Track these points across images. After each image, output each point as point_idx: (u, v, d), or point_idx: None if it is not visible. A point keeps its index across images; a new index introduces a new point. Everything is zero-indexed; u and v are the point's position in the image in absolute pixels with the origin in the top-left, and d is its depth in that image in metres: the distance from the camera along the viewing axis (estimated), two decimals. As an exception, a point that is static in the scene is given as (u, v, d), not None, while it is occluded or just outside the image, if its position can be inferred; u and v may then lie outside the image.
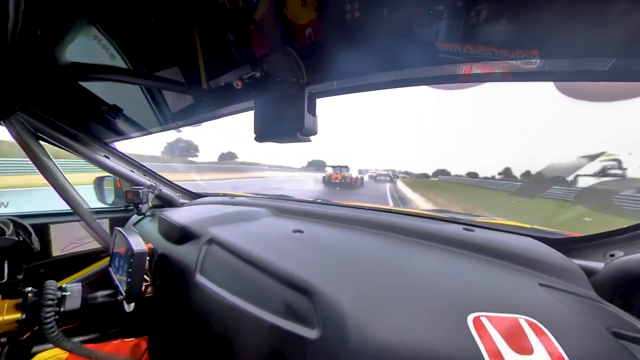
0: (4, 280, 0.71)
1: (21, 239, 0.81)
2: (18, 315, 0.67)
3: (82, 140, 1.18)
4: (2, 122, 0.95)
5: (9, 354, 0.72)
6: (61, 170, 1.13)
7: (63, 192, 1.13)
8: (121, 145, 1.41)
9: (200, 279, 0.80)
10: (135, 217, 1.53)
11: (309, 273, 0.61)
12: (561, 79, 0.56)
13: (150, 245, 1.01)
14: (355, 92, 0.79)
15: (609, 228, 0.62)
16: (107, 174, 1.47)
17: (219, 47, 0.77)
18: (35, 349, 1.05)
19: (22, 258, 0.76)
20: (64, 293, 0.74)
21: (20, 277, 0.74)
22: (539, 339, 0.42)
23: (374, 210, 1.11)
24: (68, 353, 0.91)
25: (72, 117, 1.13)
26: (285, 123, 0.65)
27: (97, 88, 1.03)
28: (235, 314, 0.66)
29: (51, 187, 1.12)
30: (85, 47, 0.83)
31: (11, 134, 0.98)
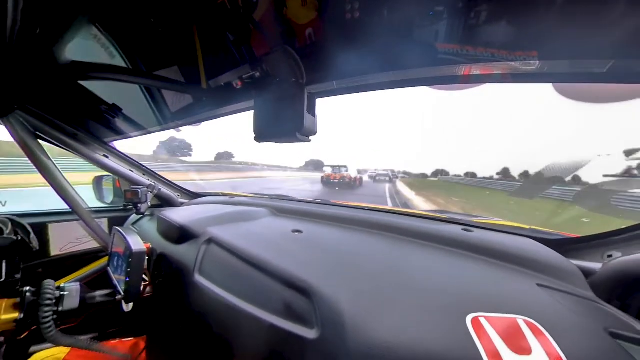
0: (2, 280, 0.71)
1: (19, 237, 0.81)
2: (16, 315, 0.67)
3: (81, 140, 1.17)
4: (0, 121, 0.95)
5: (6, 353, 0.72)
6: (60, 170, 1.13)
7: (62, 191, 1.13)
8: (119, 145, 1.41)
9: (199, 278, 0.80)
10: (134, 217, 1.53)
11: (308, 273, 0.61)
12: (560, 81, 0.57)
13: (149, 245, 1.01)
14: (355, 92, 0.79)
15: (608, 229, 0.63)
16: (106, 173, 1.46)
17: (219, 46, 0.77)
18: (32, 348, 1.05)
19: (21, 257, 0.76)
20: (62, 292, 0.73)
21: (18, 276, 0.74)
22: (537, 339, 0.42)
23: (373, 211, 1.12)
24: (66, 353, 0.90)
25: (71, 116, 1.12)
26: (284, 123, 0.65)
27: (97, 87, 1.03)
28: (234, 314, 0.66)
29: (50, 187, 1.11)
30: (85, 46, 0.83)
31: (10, 133, 0.97)
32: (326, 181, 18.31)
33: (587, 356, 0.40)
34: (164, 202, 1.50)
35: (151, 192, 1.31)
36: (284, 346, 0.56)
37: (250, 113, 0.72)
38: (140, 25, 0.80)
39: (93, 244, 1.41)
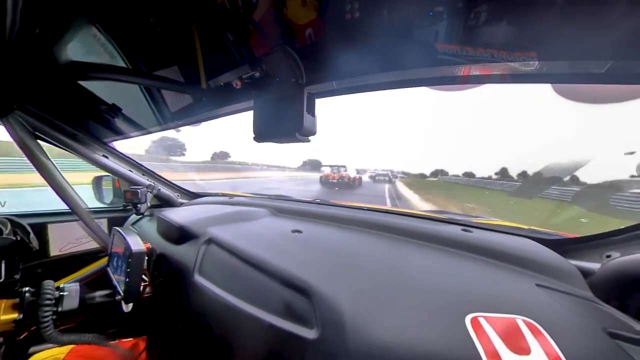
0: (1, 280, 0.70)
1: (19, 238, 0.81)
2: (15, 315, 0.67)
3: (80, 140, 1.17)
4: (0, 121, 0.95)
5: (5, 354, 0.72)
6: (59, 170, 1.13)
7: (61, 191, 1.13)
8: (119, 145, 1.41)
9: (199, 279, 0.80)
10: (133, 217, 1.53)
11: (307, 273, 0.61)
12: (559, 81, 0.57)
13: (149, 245, 1.01)
14: (355, 92, 0.79)
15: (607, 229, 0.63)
16: (105, 173, 1.46)
17: (219, 46, 0.77)
18: (32, 349, 1.04)
19: (20, 257, 0.76)
20: (61, 293, 0.73)
21: (17, 276, 0.74)
22: (536, 339, 0.42)
23: (373, 211, 1.12)
24: (65, 353, 0.90)
25: (70, 116, 1.12)
26: (284, 123, 0.65)
27: (96, 87, 1.02)
28: (234, 314, 0.66)
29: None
30: (84, 46, 0.83)
31: (9, 133, 0.97)
32: (325, 181, 18.29)
33: (586, 356, 0.41)
34: (164, 202, 1.50)
35: (151, 193, 1.31)
36: (283, 346, 0.56)
37: (247, 113, 0.72)
38: (139, 25, 0.80)
39: (93, 245, 1.41)
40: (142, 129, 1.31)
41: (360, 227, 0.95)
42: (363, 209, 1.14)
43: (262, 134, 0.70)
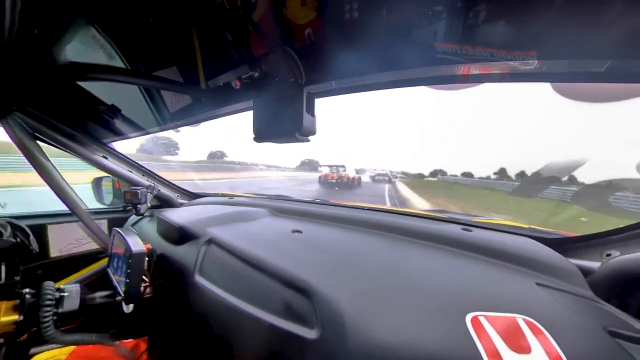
0: (2, 282, 0.70)
1: (19, 240, 0.81)
2: (16, 317, 0.67)
3: (80, 141, 1.17)
4: (-1, 122, 0.94)
5: (6, 355, 0.72)
6: (59, 171, 1.12)
7: (61, 192, 1.12)
8: (119, 145, 1.40)
9: (199, 279, 0.80)
10: (133, 218, 1.52)
11: (308, 273, 0.61)
12: (558, 80, 0.57)
13: (149, 246, 1.01)
14: (354, 92, 0.79)
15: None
16: (105, 174, 1.46)
17: (218, 46, 0.76)
18: (32, 350, 1.04)
19: (20, 260, 0.76)
20: (62, 294, 0.73)
21: (17, 278, 0.74)
22: (536, 338, 0.42)
23: (373, 211, 1.12)
24: (67, 354, 0.90)
25: (70, 117, 1.12)
26: (284, 123, 0.65)
27: (95, 88, 1.02)
28: (234, 314, 0.66)
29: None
30: (83, 46, 0.83)
31: (8, 134, 0.97)
32: (323, 181, 18.27)
33: (586, 355, 0.41)
34: (164, 202, 1.50)
35: (150, 193, 1.31)
36: (284, 346, 0.56)
37: (242, 114, 0.72)
38: (138, 26, 0.80)
39: (93, 245, 1.41)
40: (142, 130, 1.31)
41: (360, 226, 0.95)
42: (363, 209, 1.14)
43: (261, 134, 0.70)
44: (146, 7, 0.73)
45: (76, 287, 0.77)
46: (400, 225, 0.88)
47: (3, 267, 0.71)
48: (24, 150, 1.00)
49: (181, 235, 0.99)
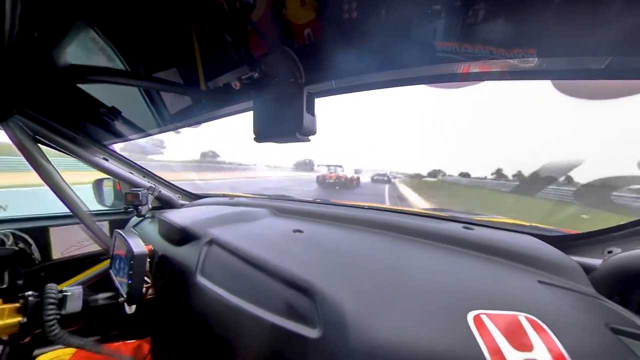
0: (5, 286, 0.71)
1: (21, 246, 0.81)
2: (19, 319, 0.67)
3: (80, 143, 1.17)
4: (0, 125, 0.95)
5: (10, 357, 0.72)
6: (60, 173, 1.13)
7: (62, 194, 1.13)
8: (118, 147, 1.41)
9: (201, 280, 0.80)
10: (135, 219, 1.53)
11: (309, 273, 0.61)
12: (558, 77, 0.57)
13: (151, 247, 1.01)
14: (354, 91, 0.79)
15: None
16: (106, 176, 1.46)
17: (217, 47, 0.77)
18: (36, 352, 1.05)
19: (22, 266, 0.76)
20: (65, 294, 0.74)
21: (20, 282, 0.74)
22: (538, 335, 0.42)
23: (374, 210, 1.12)
24: (70, 355, 0.91)
25: (70, 119, 1.12)
26: (284, 123, 0.65)
27: (96, 90, 1.02)
28: (236, 315, 0.66)
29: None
30: (83, 49, 0.83)
31: (9, 137, 0.97)
32: (321, 181, 18.27)
33: (589, 352, 0.41)
34: (165, 204, 1.51)
35: (152, 194, 1.31)
36: (286, 346, 0.56)
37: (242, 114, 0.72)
38: (138, 28, 0.80)
39: (94, 247, 1.41)
40: (142, 132, 1.31)
41: (361, 226, 0.95)
42: (364, 208, 1.14)
43: (262, 134, 0.70)
44: (145, 9, 0.73)
45: (79, 289, 0.77)
46: (402, 224, 0.88)
47: (6, 273, 0.72)
48: (24, 153, 1.01)
49: (182, 236, 0.99)
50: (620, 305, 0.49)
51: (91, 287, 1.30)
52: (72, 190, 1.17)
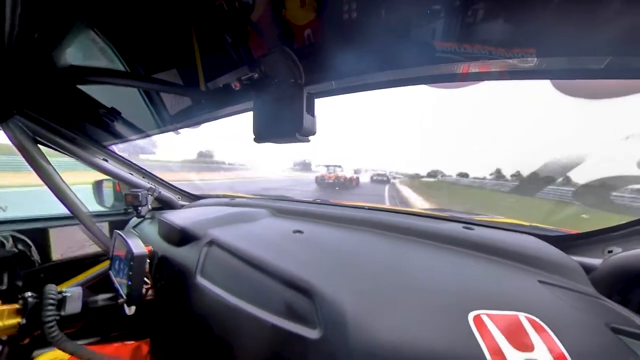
0: (4, 288, 0.71)
1: (21, 248, 0.81)
2: (18, 320, 0.67)
3: (80, 144, 1.17)
4: (0, 126, 0.95)
5: (9, 358, 0.72)
6: (59, 174, 1.13)
7: (62, 195, 1.13)
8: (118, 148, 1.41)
9: (201, 280, 0.80)
10: (134, 220, 1.53)
11: (309, 273, 0.61)
12: (558, 77, 0.57)
13: (151, 248, 1.01)
14: (354, 92, 0.80)
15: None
16: (106, 177, 1.46)
17: (217, 48, 0.77)
18: (35, 353, 1.05)
19: (22, 268, 0.76)
20: (64, 295, 0.73)
21: (19, 283, 0.74)
22: (539, 335, 0.42)
23: (374, 210, 1.12)
24: (69, 356, 0.90)
25: (70, 120, 1.12)
26: (284, 123, 0.65)
27: (95, 91, 1.03)
28: (236, 315, 0.66)
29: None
30: (83, 50, 0.83)
31: (9, 138, 0.97)
32: (320, 181, 18.28)
33: (589, 352, 0.41)
34: (165, 204, 1.51)
35: (151, 195, 1.31)
36: (286, 346, 0.56)
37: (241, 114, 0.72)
38: (138, 29, 0.80)
39: (94, 248, 1.41)
40: (142, 132, 1.31)
41: (361, 226, 0.95)
42: (364, 209, 1.14)
43: (261, 134, 0.70)
44: (145, 9, 0.73)
45: (78, 290, 0.77)
46: (402, 225, 0.88)
47: (6, 275, 0.72)
48: (24, 154, 1.01)
49: (182, 236, 0.99)
50: (620, 305, 0.49)
51: (91, 288, 1.30)
52: (71, 191, 1.17)
